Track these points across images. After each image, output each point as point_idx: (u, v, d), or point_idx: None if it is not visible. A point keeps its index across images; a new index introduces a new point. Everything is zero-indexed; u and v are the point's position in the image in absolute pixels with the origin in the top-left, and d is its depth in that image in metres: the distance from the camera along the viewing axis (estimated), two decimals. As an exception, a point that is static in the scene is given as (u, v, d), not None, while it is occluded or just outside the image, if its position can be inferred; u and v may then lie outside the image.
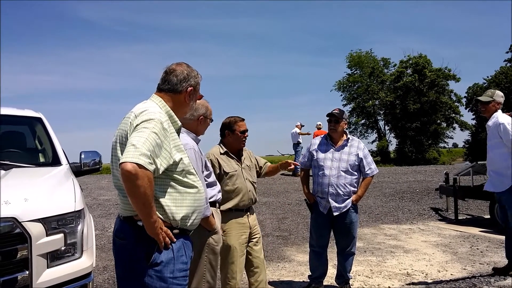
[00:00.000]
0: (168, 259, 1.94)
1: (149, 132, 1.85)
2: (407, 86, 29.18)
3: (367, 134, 33.60)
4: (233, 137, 3.45)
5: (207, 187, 2.86)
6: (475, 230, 6.93)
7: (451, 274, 4.65)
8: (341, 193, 3.91)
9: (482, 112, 4.47)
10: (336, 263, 4.21)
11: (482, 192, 7.42)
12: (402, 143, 29.76)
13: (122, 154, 1.82)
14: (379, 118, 33.32)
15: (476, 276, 4.51)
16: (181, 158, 2.00)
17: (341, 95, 33.81)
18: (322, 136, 4.21)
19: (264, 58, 71.34)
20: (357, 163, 3.99)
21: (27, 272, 2.40)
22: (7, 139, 4.02)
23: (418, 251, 5.68)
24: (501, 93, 4.36)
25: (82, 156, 3.69)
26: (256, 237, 3.52)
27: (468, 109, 36.03)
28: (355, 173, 4.00)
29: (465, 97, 35.12)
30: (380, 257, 5.39)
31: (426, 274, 4.66)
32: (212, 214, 2.81)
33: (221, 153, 3.45)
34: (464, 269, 4.84)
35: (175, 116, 2.11)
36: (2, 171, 2.99)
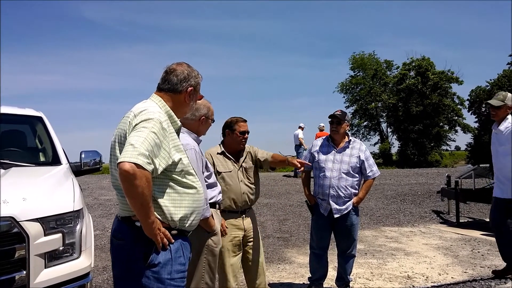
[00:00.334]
0: (166, 260, 1.93)
1: (148, 132, 1.83)
2: (410, 89, 29.18)
3: (369, 136, 33.66)
4: (232, 137, 3.43)
5: (208, 188, 2.84)
6: (476, 233, 6.89)
7: (452, 277, 4.62)
8: (342, 195, 3.89)
9: (492, 116, 4.37)
10: (337, 265, 4.19)
11: (484, 195, 7.41)
12: (405, 145, 29.74)
13: (120, 154, 1.80)
14: (381, 120, 33.36)
15: (477, 279, 4.48)
16: (180, 159, 1.99)
17: (344, 96, 33.85)
18: (323, 137, 4.19)
19: (267, 59, 71.33)
20: (358, 165, 3.97)
21: (25, 272, 2.39)
22: (7, 138, 4.01)
23: (419, 253, 5.65)
24: None
25: (82, 155, 3.68)
26: (252, 241, 3.48)
27: (470, 112, 35.97)
28: (357, 175, 3.97)
29: (468, 99, 35.07)
30: (380, 260, 5.36)
31: (427, 277, 4.63)
32: (212, 215, 2.79)
33: (218, 153, 3.44)
34: (465, 272, 4.81)
35: (174, 116, 2.10)
36: (2, 170, 2.98)
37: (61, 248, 2.56)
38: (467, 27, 68.93)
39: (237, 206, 3.38)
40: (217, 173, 3.33)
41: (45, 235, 2.47)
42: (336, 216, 3.90)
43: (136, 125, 1.88)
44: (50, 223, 2.52)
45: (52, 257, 2.53)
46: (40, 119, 4.02)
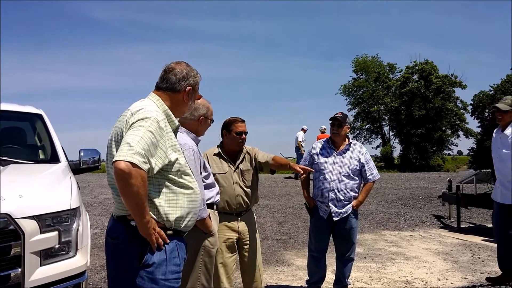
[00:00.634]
0: (161, 261, 1.91)
1: (144, 131, 1.82)
2: (413, 92, 29.07)
3: (371, 139, 33.48)
4: (229, 138, 3.39)
5: (205, 189, 2.82)
6: (477, 239, 6.85)
7: (451, 283, 4.59)
8: (342, 198, 3.86)
9: (498, 120, 4.31)
10: (335, 269, 4.16)
11: (486, 200, 7.36)
12: (407, 149, 29.62)
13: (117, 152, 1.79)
14: (383, 123, 33.23)
15: (477, 285, 4.45)
16: (177, 158, 1.97)
17: (346, 99, 33.75)
18: (323, 139, 4.17)
19: (269, 60, 71.30)
20: (358, 168, 3.95)
21: (20, 270, 2.38)
22: (7, 135, 4.01)
23: (419, 258, 5.62)
24: None
25: (81, 154, 3.67)
26: (249, 243, 3.45)
27: (473, 116, 35.85)
28: (356, 178, 3.95)
29: (471, 104, 34.93)
30: (380, 264, 5.33)
31: (426, 282, 4.60)
32: (209, 216, 2.78)
33: (214, 154, 3.42)
34: (464, 278, 4.77)
35: (172, 116, 2.08)
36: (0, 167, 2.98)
37: (57, 246, 2.55)
38: (471, 31, 68.84)
39: (231, 208, 3.35)
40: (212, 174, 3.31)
41: (41, 232, 2.46)
42: (335, 219, 3.87)
43: (133, 123, 1.86)
44: (46, 221, 2.50)
45: (47, 255, 2.51)
46: (40, 116, 4.02)
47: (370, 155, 4.16)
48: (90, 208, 8.76)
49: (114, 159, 1.74)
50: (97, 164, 3.77)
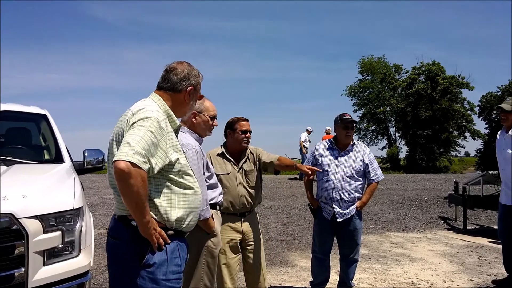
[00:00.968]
0: (161, 261, 1.91)
1: (145, 131, 1.82)
2: (419, 93, 28.88)
3: (377, 141, 33.33)
4: (233, 137, 3.38)
5: (208, 189, 2.81)
6: (483, 241, 6.79)
7: (457, 285, 4.54)
8: (346, 199, 3.84)
9: (503, 121, 4.28)
10: (339, 270, 4.14)
11: (492, 202, 7.29)
12: (413, 150, 29.43)
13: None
14: (389, 124, 33.06)
15: (483, 287, 4.40)
16: (178, 158, 1.97)
17: (351, 99, 33.64)
18: (326, 140, 4.15)
19: (275, 61, 71.23)
20: (362, 169, 3.92)
21: (23, 269, 2.39)
22: (13, 135, 4.05)
23: (424, 260, 5.57)
24: None
25: (86, 154, 3.69)
26: (253, 244, 3.45)
27: (481, 117, 35.58)
28: (360, 178, 3.93)
29: (478, 105, 34.69)
30: (385, 265, 5.29)
31: (431, 284, 4.56)
32: (212, 216, 2.77)
33: (218, 154, 3.41)
34: (470, 280, 4.73)
35: (173, 115, 2.08)
36: (3, 167, 2.99)
37: (60, 246, 2.56)
38: (478, 32, 68.32)
39: (235, 209, 3.35)
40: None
41: (44, 232, 2.47)
42: (339, 220, 3.85)
43: (133, 123, 1.86)
44: (49, 221, 2.52)
45: (51, 255, 2.53)
46: (44, 116, 4.05)
47: (376, 157, 4.13)
48: (96, 209, 8.80)
49: (114, 159, 1.74)
50: (101, 165, 3.78)
